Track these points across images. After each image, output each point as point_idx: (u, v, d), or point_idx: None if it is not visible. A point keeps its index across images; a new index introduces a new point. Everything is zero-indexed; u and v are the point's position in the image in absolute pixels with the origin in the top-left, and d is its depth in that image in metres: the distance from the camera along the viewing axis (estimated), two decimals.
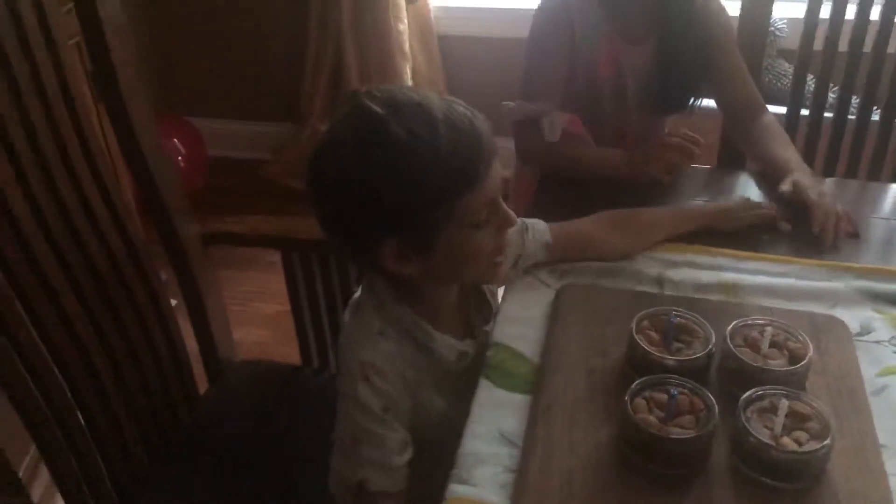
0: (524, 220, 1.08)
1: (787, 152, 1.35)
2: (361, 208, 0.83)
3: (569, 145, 1.39)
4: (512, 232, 0.94)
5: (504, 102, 1.44)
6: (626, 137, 1.49)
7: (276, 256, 1.37)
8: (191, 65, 2.90)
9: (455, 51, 2.72)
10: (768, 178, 1.34)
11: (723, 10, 1.43)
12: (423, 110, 0.81)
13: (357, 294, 0.97)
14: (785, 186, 1.25)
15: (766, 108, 1.45)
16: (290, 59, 2.73)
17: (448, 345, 0.95)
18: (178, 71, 2.91)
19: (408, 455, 0.92)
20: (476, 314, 1.02)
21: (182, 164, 2.56)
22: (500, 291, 1.09)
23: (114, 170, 1.45)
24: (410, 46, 2.59)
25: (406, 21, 2.56)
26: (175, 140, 2.57)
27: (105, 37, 1.09)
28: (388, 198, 0.82)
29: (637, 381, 0.85)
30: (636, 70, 1.42)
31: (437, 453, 0.88)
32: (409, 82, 2.59)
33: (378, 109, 0.81)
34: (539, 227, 1.10)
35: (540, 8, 1.44)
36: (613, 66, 1.41)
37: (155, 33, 2.83)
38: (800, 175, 1.27)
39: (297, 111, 2.79)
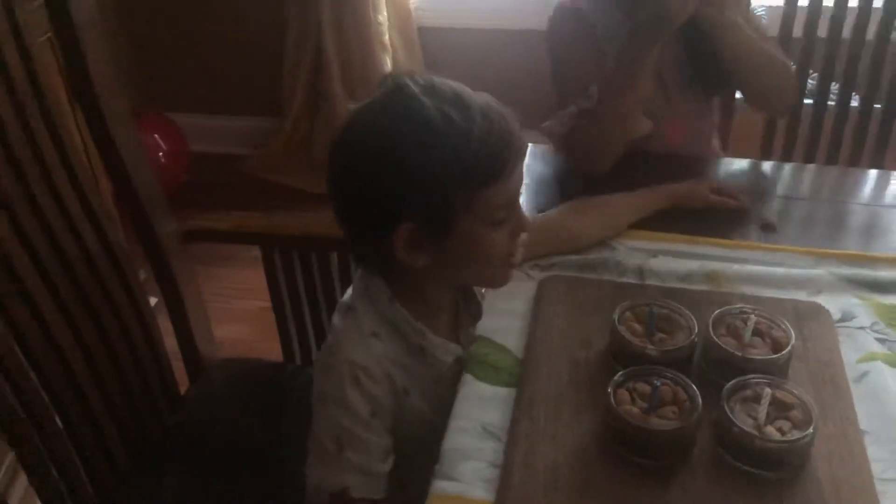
0: None
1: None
2: (385, 184, 0.83)
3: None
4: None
5: (543, 125, 1.40)
6: (676, 130, 1.40)
7: (257, 252, 1.36)
8: (170, 60, 2.87)
9: (435, 42, 2.71)
10: None
11: None
12: (459, 98, 0.83)
13: (347, 296, 0.96)
14: None
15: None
16: (269, 53, 2.71)
17: (444, 348, 0.94)
18: (157, 66, 2.88)
19: (389, 463, 0.90)
20: (465, 314, 1.01)
21: (162, 161, 2.54)
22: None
23: (91, 168, 1.44)
24: (390, 38, 2.57)
25: (385, 13, 2.54)
26: (155, 136, 2.55)
27: (76, 32, 1.07)
28: (411, 175, 0.81)
29: (620, 373, 0.84)
30: (667, 59, 1.33)
31: (416, 462, 0.87)
32: None
33: (416, 90, 0.82)
34: (553, 218, 1.11)
35: (553, 18, 1.42)
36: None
37: (133, 29, 2.80)
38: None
39: (277, 105, 2.77)
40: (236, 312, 2.24)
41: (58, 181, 1.07)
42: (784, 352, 0.89)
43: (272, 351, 1.46)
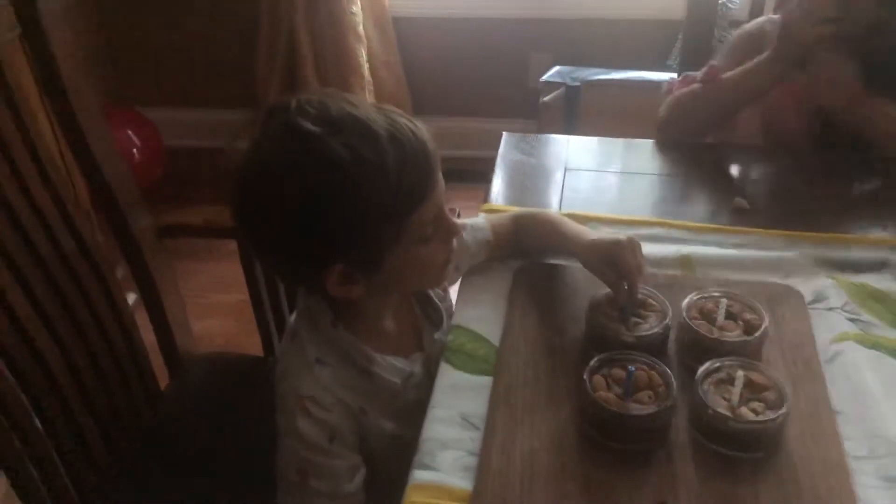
0: (465, 219, 1.04)
1: None
2: (304, 236, 0.79)
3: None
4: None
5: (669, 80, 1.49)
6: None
7: (234, 246, 1.35)
8: (142, 55, 2.85)
9: (410, 32, 2.70)
10: None
11: None
12: (363, 126, 0.76)
13: (291, 321, 0.93)
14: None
15: None
16: (242, 45, 2.69)
17: (393, 368, 0.91)
18: (129, 62, 2.86)
19: (360, 477, 0.89)
20: (425, 321, 0.99)
21: (137, 157, 2.52)
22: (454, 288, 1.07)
23: (65, 166, 1.43)
24: (364, 29, 2.56)
25: (359, 3, 2.53)
26: (129, 132, 2.52)
27: (44, 29, 1.06)
28: (333, 223, 0.77)
29: (595, 359, 0.85)
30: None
31: (392, 472, 0.85)
32: (365, 64, 2.56)
33: (313, 128, 0.75)
34: (479, 225, 1.06)
35: (746, 29, 1.47)
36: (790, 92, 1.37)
37: (104, 24, 2.77)
38: None
39: (253, 97, 2.75)
40: (217, 306, 2.23)
41: (29, 180, 1.06)
42: (757, 334, 0.90)
43: (252, 344, 1.45)
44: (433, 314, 1.00)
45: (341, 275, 0.81)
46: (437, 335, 0.98)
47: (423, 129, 0.81)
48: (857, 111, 1.27)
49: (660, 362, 0.85)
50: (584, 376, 0.84)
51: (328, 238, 0.78)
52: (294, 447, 0.87)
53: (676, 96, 1.42)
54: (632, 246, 0.95)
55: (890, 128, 1.28)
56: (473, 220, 1.07)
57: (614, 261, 0.94)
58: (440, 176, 0.83)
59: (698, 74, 1.38)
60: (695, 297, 0.95)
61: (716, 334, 0.90)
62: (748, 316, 0.93)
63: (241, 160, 0.80)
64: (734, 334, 0.91)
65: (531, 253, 1.10)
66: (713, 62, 1.39)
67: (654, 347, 0.90)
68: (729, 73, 1.34)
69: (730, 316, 0.93)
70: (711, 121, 1.40)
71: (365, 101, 0.81)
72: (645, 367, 0.85)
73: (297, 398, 0.86)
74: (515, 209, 1.16)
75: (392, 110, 0.81)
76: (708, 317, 0.93)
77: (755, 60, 1.31)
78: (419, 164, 0.79)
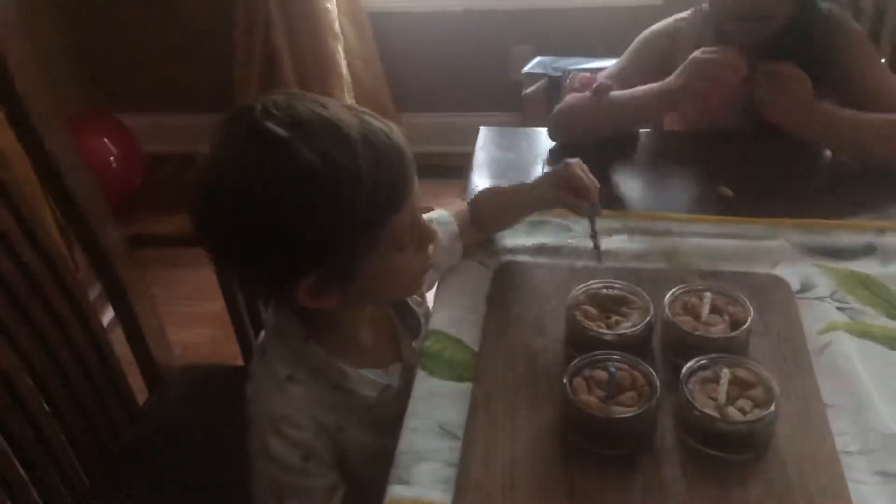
0: (430, 214, 1.01)
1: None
2: (273, 248, 0.74)
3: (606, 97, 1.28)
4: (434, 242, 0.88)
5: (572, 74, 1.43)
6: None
7: None
8: (117, 60, 2.80)
9: (387, 27, 2.66)
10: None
11: (854, 30, 1.30)
12: (334, 128, 0.72)
13: (262, 337, 0.90)
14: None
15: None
16: (219, 47, 2.65)
17: (367, 381, 0.87)
18: (103, 68, 2.81)
19: (339, 496, 0.86)
20: (403, 330, 0.95)
21: (114, 165, 2.47)
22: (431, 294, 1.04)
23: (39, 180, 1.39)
24: (341, 26, 2.52)
25: (334, 0, 2.49)
26: (105, 140, 2.48)
27: None
28: (304, 234, 0.73)
29: (575, 361, 0.82)
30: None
31: (377, 487, 0.80)
32: (343, 62, 2.52)
33: (281, 132, 0.71)
34: (444, 219, 1.03)
35: (652, 31, 1.40)
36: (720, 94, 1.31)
37: (77, 30, 2.72)
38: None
39: (231, 100, 2.71)
40: (200, 315, 2.19)
41: None
42: (742, 328, 0.87)
43: (237, 351, 1.42)
44: (411, 322, 0.96)
45: (314, 286, 0.77)
46: (415, 343, 0.94)
47: (397, 131, 0.77)
48: (814, 125, 1.22)
49: (642, 362, 0.82)
50: (565, 380, 0.80)
51: (299, 249, 0.74)
52: (268, 469, 0.83)
53: (570, 103, 1.34)
54: (578, 164, 1.01)
55: (853, 135, 1.23)
56: (438, 215, 1.03)
57: (567, 182, 0.99)
58: (415, 180, 0.79)
59: (598, 79, 1.32)
60: (678, 292, 0.92)
61: (700, 330, 0.87)
62: (733, 309, 0.90)
63: (202, 167, 0.76)
64: (719, 329, 0.88)
65: (494, 226, 1.09)
66: (605, 78, 1.32)
67: (637, 346, 0.87)
68: (624, 93, 1.28)
69: (714, 310, 0.90)
70: (599, 132, 1.31)
71: (335, 101, 0.77)
72: (627, 367, 0.82)
73: (268, 419, 0.83)
74: None
75: (364, 111, 0.77)
76: (692, 312, 0.90)
77: (657, 87, 1.24)
78: (394, 168, 0.75)
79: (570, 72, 2.35)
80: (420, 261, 0.85)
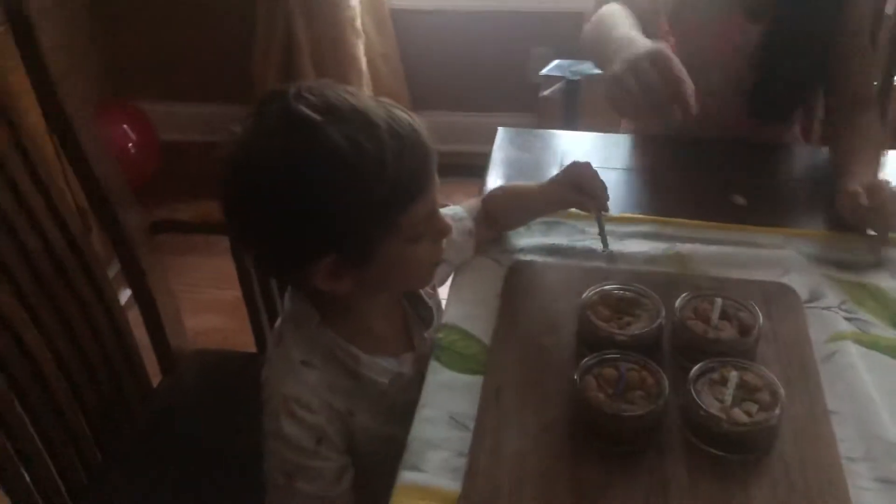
0: (444, 210, 1.01)
1: (862, 155, 1.18)
2: (295, 225, 0.77)
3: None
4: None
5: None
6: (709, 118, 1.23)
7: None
8: (137, 49, 2.82)
9: (408, 25, 2.68)
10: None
11: None
12: (362, 116, 0.75)
13: (278, 323, 0.92)
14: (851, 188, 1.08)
15: (874, 106, 1.28)
16: (239, 39, 2.67)
17: (380, 368, 0.89)
18: (123, 55, 2.83)
19: (348, 478, 0.88)
20: (416, 319, 0.97)
21: (132, 151, 2.50)
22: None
23: (60, 164, 1.42)
24: (363, 22, 2.54)
25: None
26: (124, 126, 2.51)
27: (30, 21, 1.05)
28: (327, 213, 0.76)
29: (586, 359, 0.84)
30: (749, 54, 1.27)
31: (382, 473, 0.83)
32: (363, 58, 2.55)
33: (312, 115, 0.74)
34: (459, 215, 1.05)
35: None
36: (728, 44, 1.26)
37: (98, 17, 2.75)
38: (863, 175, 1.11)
39: (250, 91, 2.73)
40: (211, 302, 2.22)
41: (18, 178, 1.05)
42: (751, 334, 0.88)
43: (249, 340, 1.45)
44: (423, 312, 0.98)
45: (330, 268, 0.80)
46: (427, 334, 0.97)
47: (420, 124, 0.80)
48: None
49: (652, 362, 0.84)
50: (575, 376, 0.82)
51: (320, 228, 0.77)
52: (280, 450, 0.86)
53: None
54: (586, 164, 1.03)
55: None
56: (453, 211, 1.05)
57: (577, 182, 1.02)
58: (436, 174, 0.82)
59: None
60: (689, 297, 0.93)
61: (710, 334, 0.89)
62: (742, 315, 0.91)
63: (233, 145, 0.78)
64: (729, 334, 0.89)
65: (506, 224, 1.12)
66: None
67: (647, 347, 0.89)
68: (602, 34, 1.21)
69: (724, 316, 0.92)
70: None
71: (363, 93, 0.80)
72: (637, 366, 0.84)
73: (282, 401, 0.85)
74: None
75: (390, 103, 0.80)
76: (702, 316, 0.91)
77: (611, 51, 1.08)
78: (417, 158, 0.78)
79: (587, 77, 2.37)
80: (433, 253, 0.87)
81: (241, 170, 0.78)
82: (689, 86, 0.99)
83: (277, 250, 0.81)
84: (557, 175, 1.07)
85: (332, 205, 0.75)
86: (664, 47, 1.01)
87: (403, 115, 0.79)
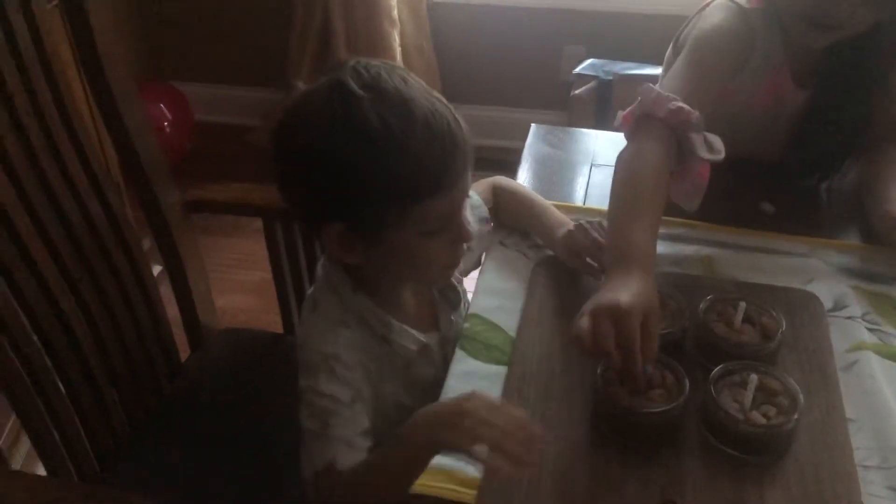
0: None
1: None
2: (315, 183, 0.81)
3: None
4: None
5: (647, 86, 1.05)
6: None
7: (261, 223, 1.37)
8: (177, 29, 2.86)
9: (444, 18, 2.70)
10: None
11: None
12: (403, 103, 0.78)
13: (311, 290, 0.95)
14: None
15: None
16: (277, 24, 2.70)
17: (409, 335, 0.92)
18: (163, 35, 2.88)
19: (368, 444, 0.89)
20: (443, 302, 0.99)
21: (168, 130, 2.54)
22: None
23: (97, 137, 1.45)
24: (399, 13, 2.57)
25: None
26: (161, 105, 2.55)
27: (83, 1, 1.08)
28: (341, 181, 0.79)
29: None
30: (793, 115, 1.24)
31: None
32: (398, 49, 2.57)
33: (357, 89, 0.78)
34: (475, 203, 1.05)
35: (717, 27, 1.15)
36: (772, 98, 1.23)
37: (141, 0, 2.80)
38: None
39: (284, 76, 2.76)
40: (239, 282, 2.26)
41: (63, 149, 1.08)
42: (774, 339, 0.90)
43: (274, 322, 1.47)
44: (451, 295, 1.00)
45: (340, 235, 0.84)
46: (453, 316, 0.99)
47: (463, 127, 0.82)
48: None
49: (674, 362, 0.85)
50: (598, 371, 0.84)
51: (334, 193, 0.81)
52: (317, 403, 0.86)
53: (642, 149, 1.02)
54: (586, 228, 1.02)
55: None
56: (471, 199, 1.01)
57: (574, 249, 1.02)
58: (466, 177, 0.83)
59: (690, 114, 1.00)
60: (713, 299, 0.95)
61: (733, 338, 0.90)
62: (765, 320, 0.93)
63: (290, 99, 0.85)
64: (751, 338, 0.91)
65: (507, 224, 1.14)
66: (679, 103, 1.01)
67: (671, 347, 0.90)
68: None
69: (748, 319, 0.93)
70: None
71: (420, 84, 0.82)
72: (659, 365, 0.85)
73: (323, 357, 0.86)
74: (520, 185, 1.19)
75: (441, 101, 0.82)
76: (726, 320, 0.93)
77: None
78: (444, 155, 0.79)
79: (619, 77, 2.37)
80: (450, 255, 0.88)
81: (287, 120, 0.84)
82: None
83: (300, 206, 0.87)
84: (563, 236, 1.05)
85: (348, 176, 0.79)
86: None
87: (447, 113, 0.80)
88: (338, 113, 0.78)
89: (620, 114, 1.08)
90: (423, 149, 0.78)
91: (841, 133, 1.22)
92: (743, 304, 0.93)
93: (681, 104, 1.00)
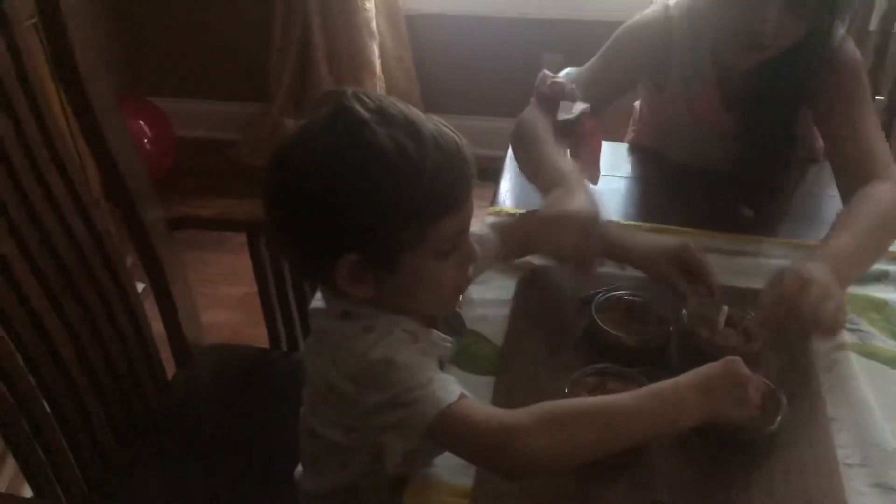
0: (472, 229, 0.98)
1: (844, 234, 1.03)
2: (327, 215, 0.78)
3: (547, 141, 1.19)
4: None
5: (544, 72, 1.30)
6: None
7: (244, 238, 1.37)
8: (155, 44, 2.86)
9: (422, 29, 2.71)
10: None
11: (852, 59, 1.19)
12: (411, 124, 0.78)
13: (324, 308, 0.87)
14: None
15: (885, 174, 1.11)
16: (256, 38, 2.71)
17: (439, 336, 0.85)
18: (141, 51, 2.87)
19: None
20: (444, 327, 0.92)
21: (148, 147, 2.54)
22: None
23: (78, 155, 1.45)
24: (377, 25, 2.58)
25: (373, 0, 2.54)
26: (140, 122, 2.54)
27: (62, 18, 1.07)
28: (358, 207, 0.77)
29: (576, 373, 0.87)
30: (727, 134, 1.27)
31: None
32: (377, 61, 2.58)
33: (363, 112, 0.76)
34: (487, 237, 1.02)
35: (637, 23, 1.29)
36: (711, 115, 1.26)
37: (116, 13, 2.79)
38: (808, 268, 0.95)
39: (264, 90, 2.77)
40: (223, 298, 2.25)
41: (43, 167, 1.08)
42: (756, 342, 0.91)
43: (259, 336, 1.48)
44: (455, 324, 0.96)
45: (353, 268, 0.80)
46: (453, 343, 0.92)
47: (466, 144, 0.82)
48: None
49: (640, 376, 0.84)
50: (566, 390, 0.85)
51: (349, 222, 0.78)
52: (404, 378, 0.77)
53: (528, 121, 1.28)
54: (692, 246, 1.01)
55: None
56: (481, 232, 1.02)
57: (685, 265, 1.00)
58: (471, 195, 0.83)
59: (563, 85, 1.22)
60: (696, 304, 0.96)
61: (718, 341, 0.91)
62: (748, 323, 0.94)
63: (284, 138, 0.81)
64: (734, 341, 0.92)
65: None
66: (584, 109, 1.21)
67: (655, 352, 0.92)
68: (548, 153, 1.17)
69: (730, 323, 0.94)
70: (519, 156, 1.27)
71: (416, 109, 0.81)
72: (620, 380, 0.86)
73: (402, 332, 0.81)
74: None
75: (441, 122, 0.82)
76: (709, 323, 0.94)
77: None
78: (456, 173, 0.79)
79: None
80: (457, 277, 0.86)
81: (284, 158, 0.80)
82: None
83: (308, 242, 0.82)
84: (663, 245, 1.03)
85: (365, 201, 0.76)
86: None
87: (450, 133, 0.81)
88: (345, 138, 0.76)
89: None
90: (437, 168, 0.77)
91: (773, 151, 1.24)
92: (725, 308, 0.94)
93: (558, 80, 1.24)
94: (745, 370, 0.77)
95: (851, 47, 1.20)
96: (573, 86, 1.23)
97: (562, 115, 1.21)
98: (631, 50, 1.28)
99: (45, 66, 1.34)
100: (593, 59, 1.30)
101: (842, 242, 1.02)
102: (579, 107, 1.22)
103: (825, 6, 1.09)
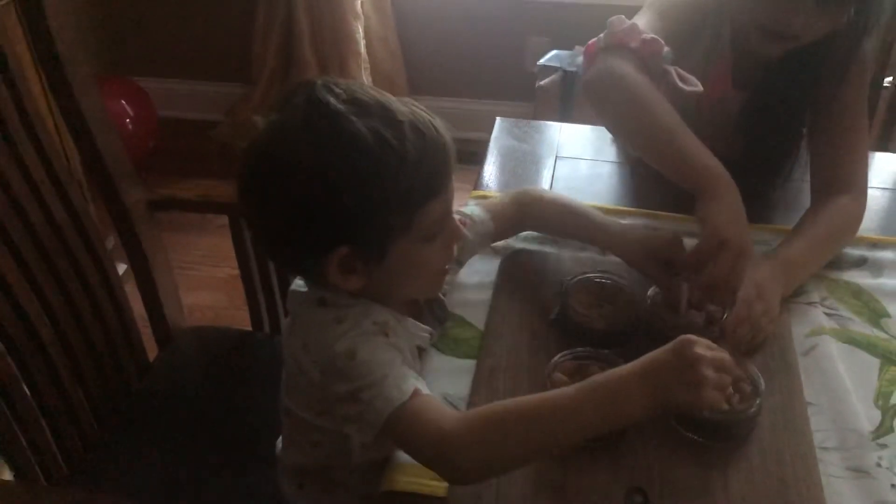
0: (462, 211, 1.01)
1: (801, 241, 1.06)
2: (313, 213, 0.77)
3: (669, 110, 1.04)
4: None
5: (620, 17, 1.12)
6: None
7: (226, 220, 1.36)
8: (137, 23, 2.83)
9: (408, 10, 2.70)
10: None
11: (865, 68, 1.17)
12: (386, 111, 0.77)
13: (303, 292, 0.87)
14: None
15: (856, 192, 1.13)
16: (240, 18, 2.68)
17: (417, 327, 0.87)
18: (124, 30, 2.84)
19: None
20: (428, 317, 0.95)
21: (130, 127, 2.51)
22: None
23: (58, 135, 1.43)
24: (362, 5, 2.56)
25: None
26: (122, 102, 2.52)
27: None
28: (346, 201, 0.76)
29: (556, 357, 0.87)
30: (734, 116, 1.23)
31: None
32: (361, 41, 2.56)
33: (338, 104, 0.75)
34: (479, 218, 1.03)
35: None
36: (718, 95, 1.21)
37: None
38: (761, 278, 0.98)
39: (248, 71, 2.75)
40: (206, 280, 2.24)
41: (22, 148, 1.07)
42: (720, 323, 0.92)
43: (241, 318, 1.47)
44: (438, 311, 0.98)
45: (343, 260, 0.79)
46: (438, 332, 0.96)
47: (442, 125, 0.81)
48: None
49: (618, 359, 0.83)
50: (546, 374, 0.86)
51: (337, 217, 0.77)
52: (374, 365, 0.77)
53: (618, 72, 1.06)
54: (679, 240, 0.99)
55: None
56: (472, 212, 1.02)
57: (653, 252, 0.98)
58: (452, 176, 0.82)
59: (661, 46, 1.06)
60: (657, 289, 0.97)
61: (679, 322, 0.92)
62: (711, 308, 0.95)
63: (257, 133, 0.79)
64: (696, 322, 0.93)
65: (543, 230, 1.11)
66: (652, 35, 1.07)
67: (625, 336, 0.92)
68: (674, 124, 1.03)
69: (693, 304, 0.95)
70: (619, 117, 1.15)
71: (387, 93, 0.81)
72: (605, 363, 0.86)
73: (372, 325, 0.81)
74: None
75: (413, 103, 0.81)
76: (673, 305, 0.95)
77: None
78: (437, 156, 0.79)
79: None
80: (443, 258, 0.86)
81: (263, 157, 0.79)
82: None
83: (294, 239, 0.81)
84: (643, 235, 1.03)
85: (351, 194, 0.76)
86: None
87: (425, 115, 0.80)
88: (326, 134, 0.75)
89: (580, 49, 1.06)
90: (419, 153, 0.77)
91: (779, 137, 1.23)
92: (685, 287, 0.94)
93: (654, 36, 0.99)
94: (696, 350, 0.72)
95: (870, 56, 1.18)
96: (669, 49, 1.06)
97: (684, 87, 1.06)
98: (681, 16, 1.16)
99: (24, 44, 1.33)
100: (646, 18, 1.13)
101: (795, 249, 1.05)
102: (693, 78, 1.08)
103: (859, 6, 1.05)
